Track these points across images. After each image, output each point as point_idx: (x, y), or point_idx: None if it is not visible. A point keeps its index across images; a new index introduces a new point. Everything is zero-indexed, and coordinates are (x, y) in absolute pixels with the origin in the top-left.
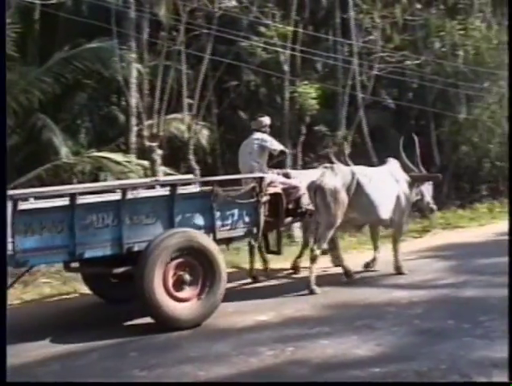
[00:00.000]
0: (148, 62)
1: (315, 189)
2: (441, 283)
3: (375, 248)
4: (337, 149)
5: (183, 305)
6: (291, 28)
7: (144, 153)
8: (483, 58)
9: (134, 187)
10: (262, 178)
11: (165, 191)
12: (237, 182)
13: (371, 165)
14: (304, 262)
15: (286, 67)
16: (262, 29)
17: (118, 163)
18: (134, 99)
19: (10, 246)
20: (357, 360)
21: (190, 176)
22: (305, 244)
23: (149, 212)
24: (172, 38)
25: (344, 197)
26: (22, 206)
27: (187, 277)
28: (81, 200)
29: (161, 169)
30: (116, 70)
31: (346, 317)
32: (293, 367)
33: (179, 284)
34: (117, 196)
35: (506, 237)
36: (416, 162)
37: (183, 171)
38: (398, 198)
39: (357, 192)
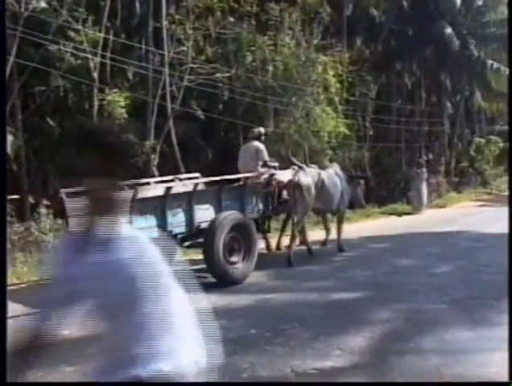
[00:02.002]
0: None
1: (294, 185)
2: (245, 291)
3: (327, 230)
4: (145, 158)
5: (234, 266)
6: (101, 34)
7: None
8: (291, 74)
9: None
10: (272, 175)
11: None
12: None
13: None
14: None
15: (95, 74)
16: (72, 33)
17: None
18: None
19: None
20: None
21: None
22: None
23: (206, 200)
24: None
25: (313, 191)
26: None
27: (235, 246)
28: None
29: None
30: None
31: None
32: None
33: (231, 251)
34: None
35: (315, 247)
36: None
37: None
38: (342, 192)
39: (321, 188)
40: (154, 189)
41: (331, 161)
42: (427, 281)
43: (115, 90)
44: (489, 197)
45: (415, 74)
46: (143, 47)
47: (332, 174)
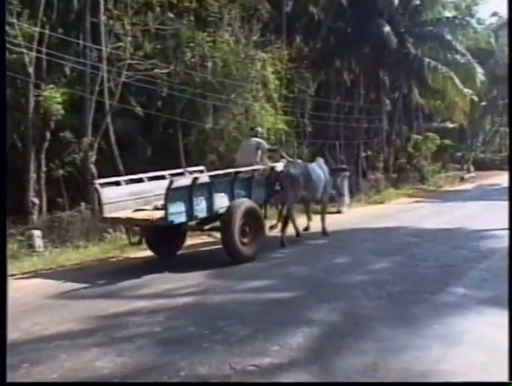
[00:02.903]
0: None
1: (285, 176)
2: (183, 291)
3: (309, 218)
4: (83, 155)
5: (245, 246)
6: (37, 29)
7: None
8: (230, 70)
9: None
10: (273, 167)
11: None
12: None
13: (118, 172)
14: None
15: (31, 70)
16: (6, 27)
17: None
18: None
19: (163, 211)
20: (96, 373)
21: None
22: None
23: (222, 189)
24: None
25: (301, 182)
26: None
27: (247, 229)
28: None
29: None
30: None
31: (86, 329)
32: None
33: (243, 233)
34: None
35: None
36: None
37: None
38: (325, 184)
39: (308, 179)
40: (184, 180)
41: (269, 158)
42: (365, 277)
43: (52, 86)
44: (426, 193)
45: (354, 71)
46: (81, 42)
47: (317, 168)
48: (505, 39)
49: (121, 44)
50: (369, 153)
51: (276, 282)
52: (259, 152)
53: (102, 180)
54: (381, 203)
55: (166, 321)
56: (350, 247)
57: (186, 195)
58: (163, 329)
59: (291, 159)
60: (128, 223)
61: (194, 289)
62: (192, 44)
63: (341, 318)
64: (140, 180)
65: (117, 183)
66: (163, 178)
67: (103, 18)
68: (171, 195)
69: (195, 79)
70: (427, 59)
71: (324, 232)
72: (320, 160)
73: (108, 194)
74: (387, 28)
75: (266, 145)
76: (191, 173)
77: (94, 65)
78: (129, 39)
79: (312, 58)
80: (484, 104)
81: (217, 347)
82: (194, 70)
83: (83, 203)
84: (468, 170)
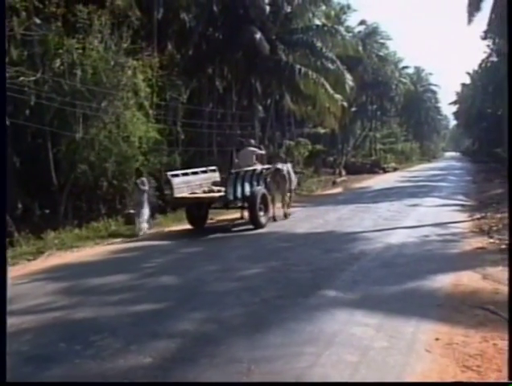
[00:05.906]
0: None
1: (277, 173)
2: (53, 306)
3: (288, 206)
4: None
5: (262, 218)
6: None
7: None
8: (100, 78)
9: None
10: (270, 167)
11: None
12: None
13: None
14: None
15: None
16: None
17: None
18: None
19: (223, 192)
20: None
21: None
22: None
23: (247, 180)
24: None
25: (288, 178)
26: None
27: (261, 206)
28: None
29: None
30: None
31: None
32: None
33: (260, 209)
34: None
35: (120, 255)
36: None
37: None
38: (294, 178)
39: (289, 176)
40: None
41: (143, 165)
42: (238, 284)
43: None
44: (299, 198)
45: (226, 78)
46: None
47: (289, 167)
48: (372, 46)
49: None
50: None
51: (148, 293)
52: (254, 157)
53: (170, 172)
54: None
55: (35, 338)
56: (223, 254)
57: (233, 182)
58: (32, 347)
59: (267, 165)
60: (194, 200)
61: (64, 303)
62: (60, 51)
63: (215, 327)
64: (187, 174)
65: (177, 175)
66: (196, 173)
67: None
68: (230, 181)
69: (64, 87)
70: (299, 66)
71: (286, 216)
72: (289, 164)
73: (175, 181)
74: (259, 35)
75: (260, 151)
76: (212, 170)
77: None
78: None
79: (184, 65)
80: (354, 109)
81: (89, 363)
82: (63, 78)
83: None
84: (340, 174)
